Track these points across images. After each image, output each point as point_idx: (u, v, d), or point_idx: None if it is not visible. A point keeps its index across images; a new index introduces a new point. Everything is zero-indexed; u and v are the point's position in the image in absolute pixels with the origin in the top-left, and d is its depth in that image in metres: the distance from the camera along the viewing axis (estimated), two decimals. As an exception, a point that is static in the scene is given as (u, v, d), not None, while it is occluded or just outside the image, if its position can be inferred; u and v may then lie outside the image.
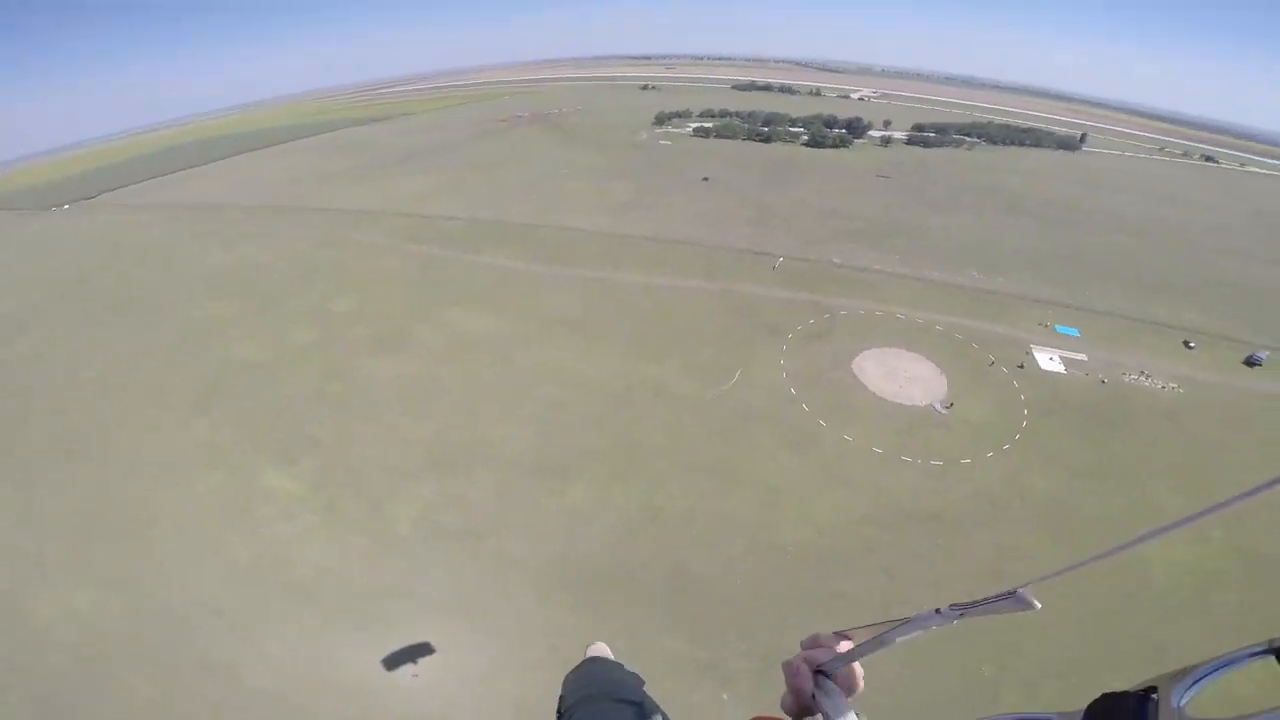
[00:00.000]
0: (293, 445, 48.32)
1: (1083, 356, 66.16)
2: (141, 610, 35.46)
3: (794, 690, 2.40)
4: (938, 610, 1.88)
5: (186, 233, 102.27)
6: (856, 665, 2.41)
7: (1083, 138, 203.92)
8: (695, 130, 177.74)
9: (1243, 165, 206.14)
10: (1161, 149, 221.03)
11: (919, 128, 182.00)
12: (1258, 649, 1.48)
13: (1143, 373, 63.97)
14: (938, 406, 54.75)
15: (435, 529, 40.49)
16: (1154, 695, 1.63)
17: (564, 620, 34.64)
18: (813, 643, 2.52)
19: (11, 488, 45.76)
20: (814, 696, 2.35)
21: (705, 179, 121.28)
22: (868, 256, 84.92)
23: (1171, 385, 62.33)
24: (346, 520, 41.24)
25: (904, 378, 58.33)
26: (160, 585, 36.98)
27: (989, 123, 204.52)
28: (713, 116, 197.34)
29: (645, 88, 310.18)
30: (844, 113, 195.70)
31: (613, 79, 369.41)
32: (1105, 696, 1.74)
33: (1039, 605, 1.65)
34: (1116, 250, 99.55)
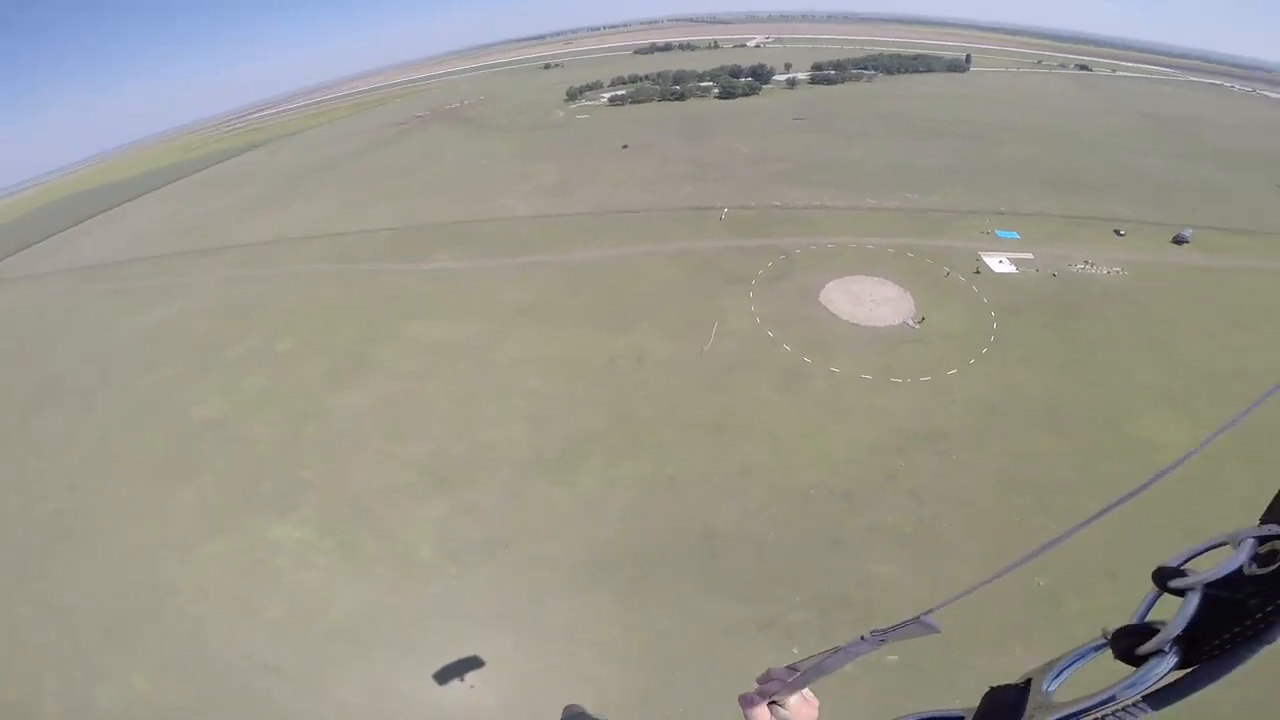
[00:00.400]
0: (286, 493, 44.02)
1: (1029, 255, 69.10)
2: (201, 681, 32.36)
3: None
4: (862, 637, 2.08)
5: (97, 297, 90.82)
6: (808, 692, 2.78)
7: (968, 59, 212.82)
8: (611, 100, 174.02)
9: (1114, 71, 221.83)
10: (1039, 62, 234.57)
11: (818, 67, 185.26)
12: (1100, 642, 1.78)
13: (1086, 262, 67.68)
14: (910, 323, 55.72)
15: (456, 546, 37.85)
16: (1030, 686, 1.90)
17: (609, 608, 33.17)
18: (766, 677, 2.81)
19: (16, 582, 40.37)
20: None
21: (624, 146, 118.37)
22: (805, 194, 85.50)
23: (1115, 270, 66.32)
24: (364, 556, 38.11)
25: (871, 302, 59.02)
26: (207, 653, 33.71)
27: (880, 55, 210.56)
28: (624, 84, 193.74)
29: (547, 66, 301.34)
30: (746, 61, 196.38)
31: (509, 63, 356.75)
32: (992, 690, 2.01)
33: (940, 629, 1.87)
34: (1027, 157, 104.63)
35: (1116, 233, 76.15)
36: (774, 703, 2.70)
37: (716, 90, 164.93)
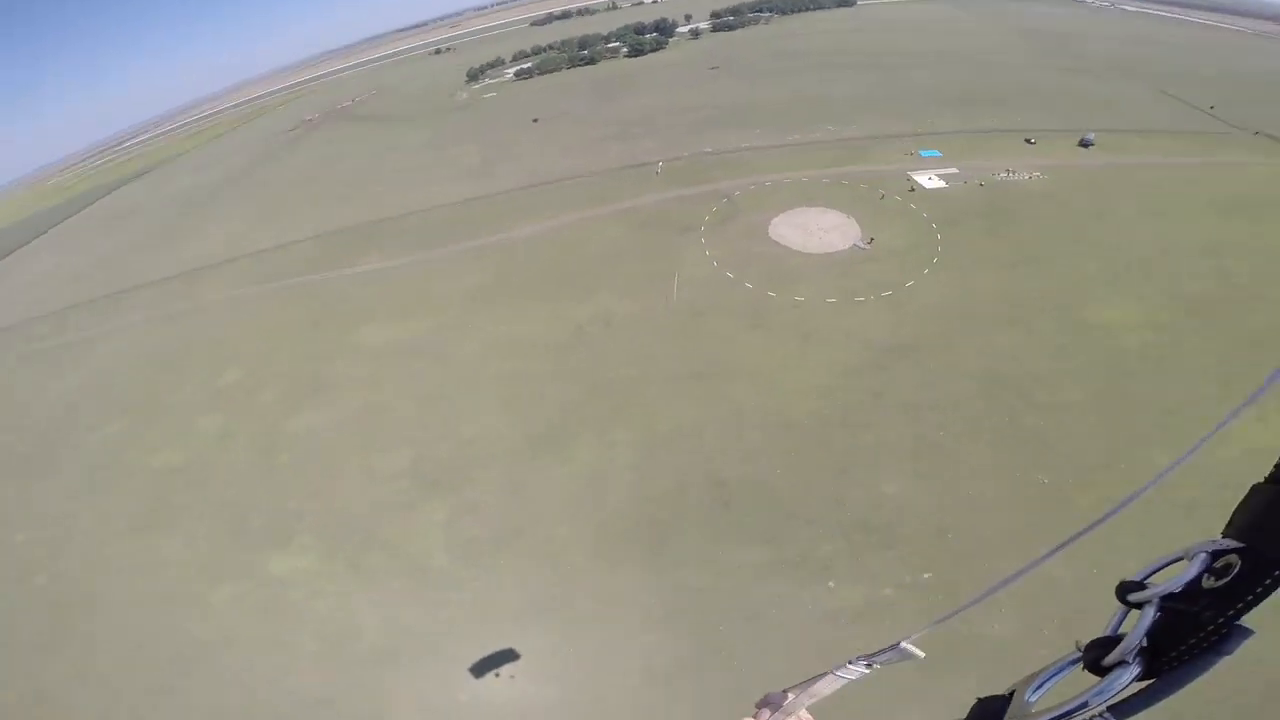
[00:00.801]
0: (277, 526, 40.60)
1: (955, 170, 71.71)
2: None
3: None
4: (849, 662, 2.18)
5: (3, 369, 79.40)
6: (806, 714, 2.88)
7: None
8: (517, 74, 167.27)
9: None
10: None
11: (716, 15, 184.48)
12: (1075, 656, 1.85)
13: (1008, 170, 71.00)
14: (860, 245, 56.86)
15: (468, 547, 35.92)
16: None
17: (638, 577, 32.37)
18: (763, 701, 2.90)
19: (41, 657, 36.11)
20: None
21: (535, 120, 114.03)
22: (734, 137, 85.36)
23: (1035, 175, 70.04)
24: (377, 574, 35.76)
25: (819, 230, 59.79)
26: (258, 700, 31.13)
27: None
28: (527, 57, 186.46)
29: (437, 51, 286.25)
30: (648, 18, 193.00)
31: (394, 54, 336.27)
32: (979, 700, 2.11)
33: (922, 655, 1.93)
34: (929, 80, 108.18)
35: (1028, 141, 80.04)
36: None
37: (625, 50, 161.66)
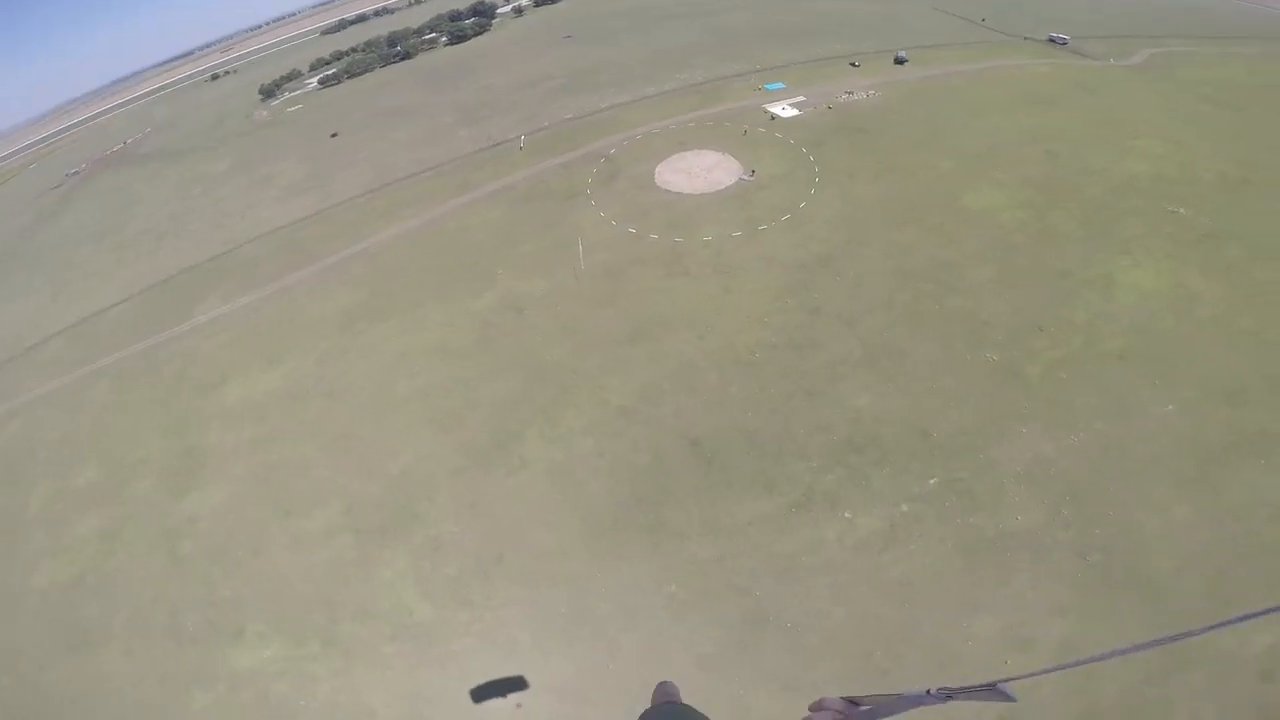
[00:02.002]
0: (218, 620, 33.11)
1: (802, 98, 74.58)
2: None
3: None
4: (928, 691, 2.07)
5: None
6: None
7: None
8: (321, 81, 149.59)
9: None
10: None
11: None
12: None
13: (848, 92, 75.34)
14: (745, 177, 57.05)
15: (450, 589, 30.97)
16: None
17: (649, 566, 29.62)
18: (818, 706, 2.61)
19: None
20: None
21: (334, 135, 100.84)
22: (590, 100, 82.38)
23: (870, 93, 74.91)
24: (361, 644, 30.10)
25: (702, 170, 59.26)
26: None
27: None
28: (328, 64, 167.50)
29: (215, 77, 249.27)
30: (461, 4, 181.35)
31: (160, 89, 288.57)
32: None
33: (1016, 698, 1.88)
34: (746, 21, 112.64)
35: (852, 64, 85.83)
36: None
37: (445, 39, 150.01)
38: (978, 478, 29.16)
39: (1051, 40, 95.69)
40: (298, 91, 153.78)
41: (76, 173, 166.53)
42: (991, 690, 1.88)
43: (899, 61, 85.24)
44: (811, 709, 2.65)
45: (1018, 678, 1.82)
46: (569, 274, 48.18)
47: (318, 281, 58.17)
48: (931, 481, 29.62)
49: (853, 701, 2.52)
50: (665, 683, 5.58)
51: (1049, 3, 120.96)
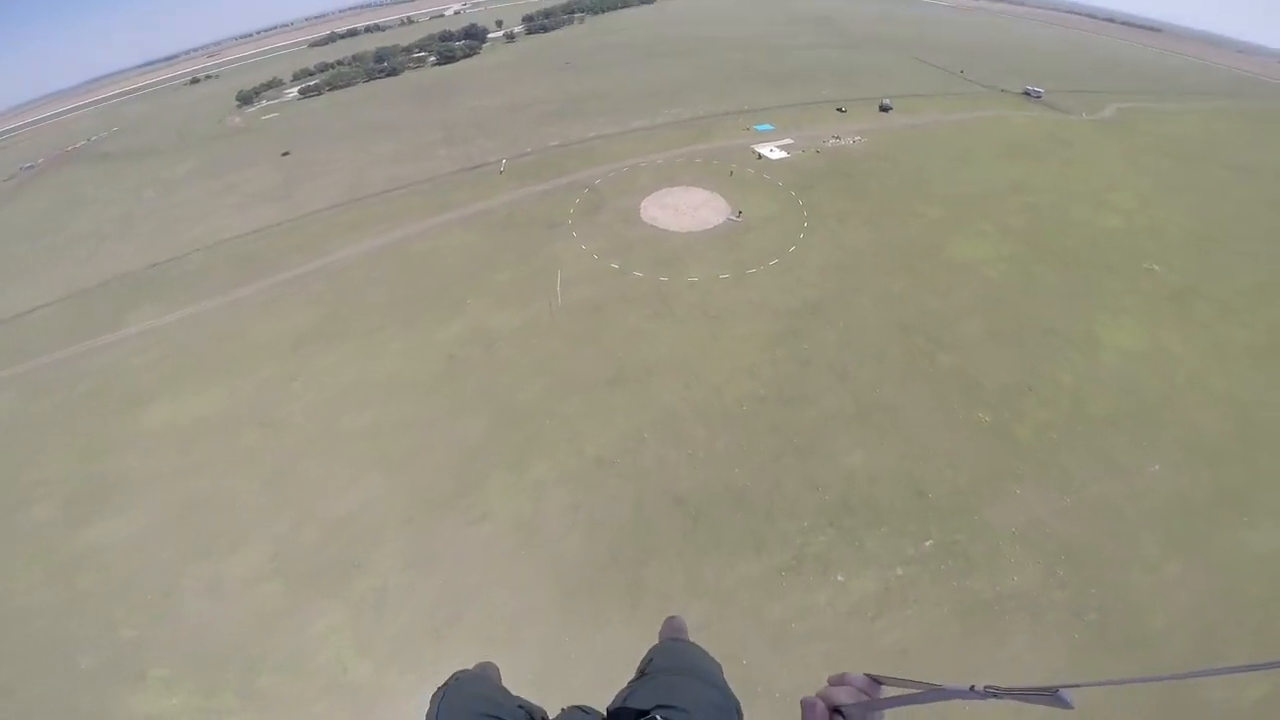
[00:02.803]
0: (117, 661, 28.87)
1: (790, 140, 74.24)
2: None
3: None
4: (971, 687, 1.93)
5: None
6: (878, 716, 2.30)
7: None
8: (302, 91, 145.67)
9: None
10: None
11: (529, 18, 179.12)
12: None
13: (835, 137, 75.47)
14: (732, 217, 55.17)
15: (394, 647, 26.85)
16: None
17: (630, 633, 26.07)
18: (839, 680, 2.39)
19: None
20: None
21: (285, 154, 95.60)
22: (578, 128, 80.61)
23: (856, 139, 75.18)
24: (286, 700, 25.99)
25: (689, 209, 57.22)
26: None
27: None
28: (311, 74, 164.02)
29: (195, 81, 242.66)
30: (452, 28, 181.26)
31: (137, 90, 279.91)
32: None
33: (1073, 705, 1.77)
34: (737, 63, 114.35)
35: (839, 110, 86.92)
36: (838, 711, 2.23)
37: (433, 58, 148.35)
38: (974, 539, 28.33)
39: (1027, 93, 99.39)
40: (276, 100, 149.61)
41: (31, 166, 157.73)
42: (1047, 695, 1.64)
43: (884, 109, 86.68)
44: (831, 682, 2.38)
45: (1077, 685, 1.61)
46: (545, 308, 44.79)
47: (269, 298, 53.54)
48: (927, 544, 28.34)
49: (876, 680, 2.30)
50: (673, 617, 5.39)
51: (1022, 57, 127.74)
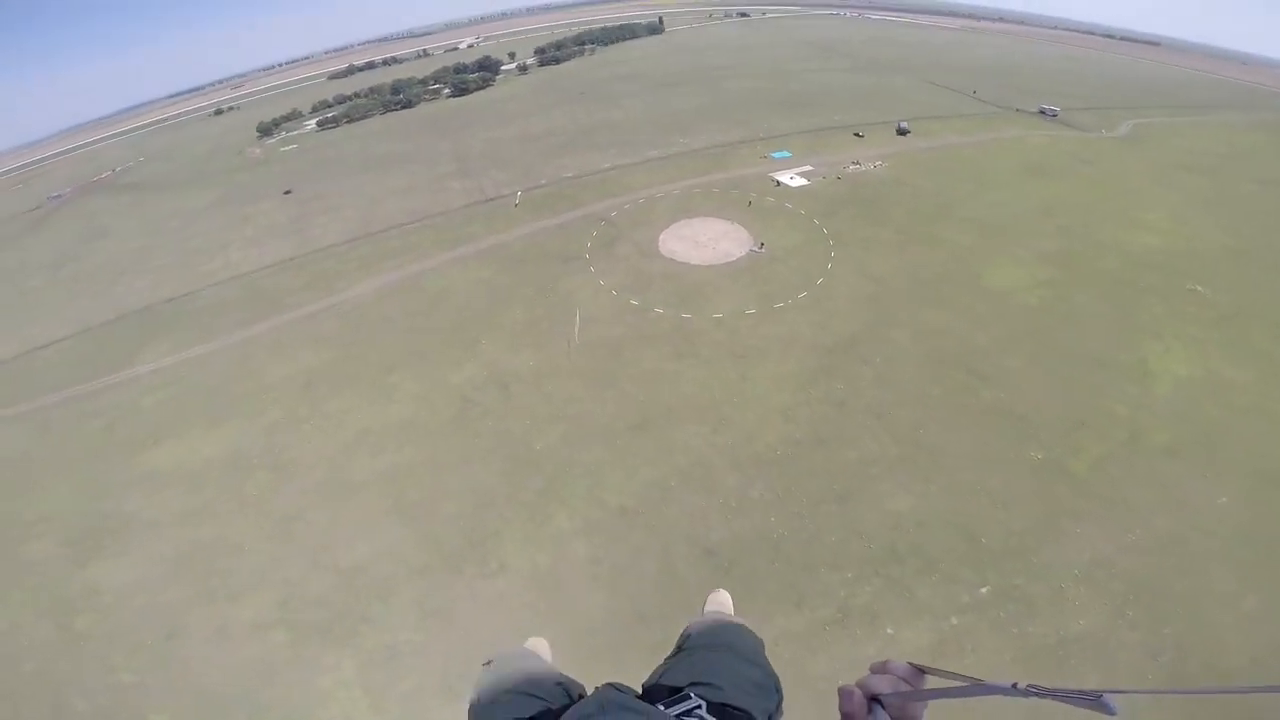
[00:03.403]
0: (115, 706, 27.70)
1: (809, 167, 72.82)
2: None
3: (844, 716, 2.18)
4: (1014, 685, 1.84)
5: None
6: (918, 706, 2.18)
7: (661, 21, 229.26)
8: (320, 124, 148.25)
9: (764, 13, 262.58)
10: (710, 15, 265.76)
11: (541, 51, 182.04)
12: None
13: (855, 162, 74.05)
14: (756, 249, 53.42)
15: (405, 704, 25.31)
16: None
17: None
18: (880, 668, 2.26)
19: None
20: None
21: (287, 192, 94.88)
22: (592, 159, 79.93)
23: (877, 163, 73.65)
24: None
25: (709, 240, 55.61)
26: None
27: (589, 31, 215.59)
28: (330, 106, 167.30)
29: (219, 112, 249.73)
30: (466, 60, 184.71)
31: (163, 121, 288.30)
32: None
33: (1117, 711, 1.67)
34: (751, 89, 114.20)
35: (857, 134, 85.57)
36: (876, 699, 2.12)
37: (448, 90, 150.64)
38: (1033, 582, 26.53)
39: (1043, 112, 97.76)
40: (295, 132, 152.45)
41: (59, 196, 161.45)
42: (1091, 698, 1.59)
43: (901, 132, 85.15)
44: (874, 669, 2.27)
45: (1122, 691, 1.54)
46: (562, 348, 42.96)
47: (281, 337, 52.45)
48: (983, 590, 26.43)
49: (920, 669, 2.22)
50: (717, 591, 5.29)
51: (1031, 76, 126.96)
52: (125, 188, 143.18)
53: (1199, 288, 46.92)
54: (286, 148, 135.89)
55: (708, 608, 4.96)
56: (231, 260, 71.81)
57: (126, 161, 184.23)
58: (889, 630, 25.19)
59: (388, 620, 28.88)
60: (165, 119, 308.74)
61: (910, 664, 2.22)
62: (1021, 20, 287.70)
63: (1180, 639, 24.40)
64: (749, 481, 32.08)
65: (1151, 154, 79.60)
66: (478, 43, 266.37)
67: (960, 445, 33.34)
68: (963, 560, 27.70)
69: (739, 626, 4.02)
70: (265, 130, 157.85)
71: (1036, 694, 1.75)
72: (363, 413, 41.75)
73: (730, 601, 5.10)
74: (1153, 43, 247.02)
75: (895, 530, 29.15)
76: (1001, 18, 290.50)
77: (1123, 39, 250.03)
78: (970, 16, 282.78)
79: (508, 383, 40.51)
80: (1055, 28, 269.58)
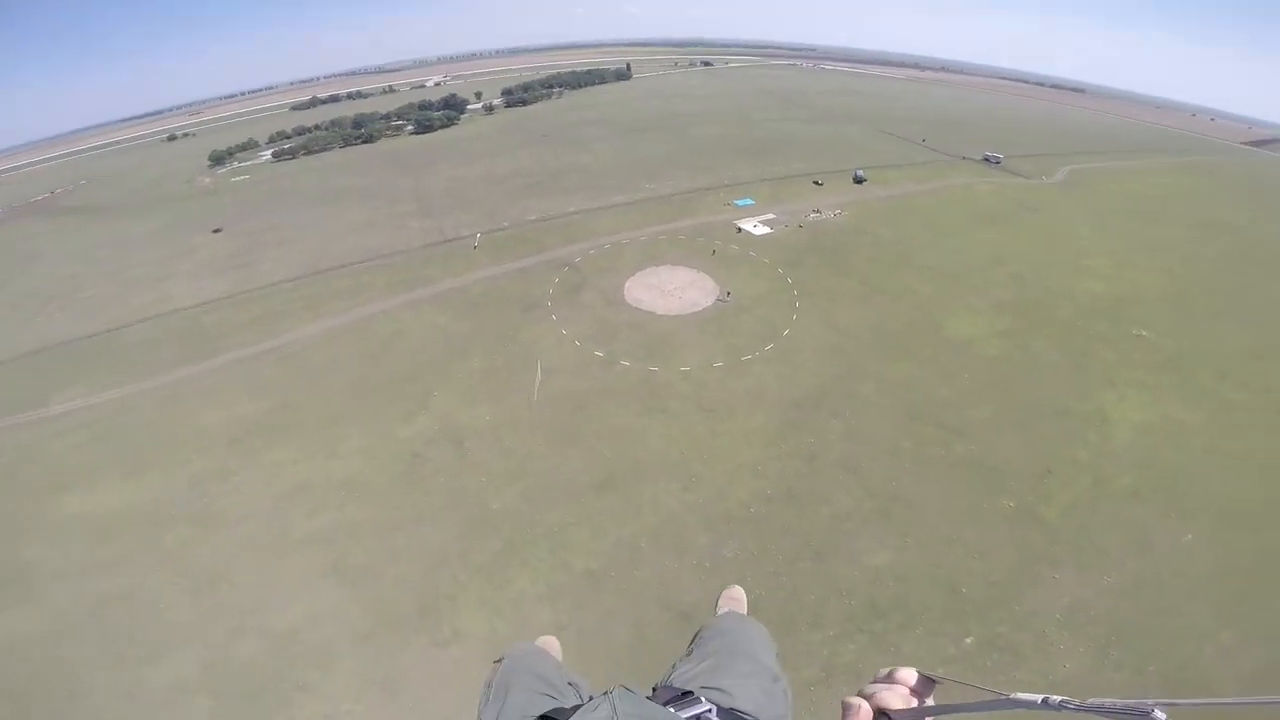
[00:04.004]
0: None
1: (772, 215, 73.94)
2: None
3: None
4: (1045, 699, 1.64)
5: None
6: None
7: (629, 68, 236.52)
8: (275, 154, 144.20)
9: (726, 63, 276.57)
10: (676, 64, 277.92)
11: (508, 92, 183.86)
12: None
13: (816, 210, 75.57)
14: (722, 299, 52.96)
15: None
16: None
17: None
18: (888, 678, 2.11)
19: None
20: None
21: (217, 230, 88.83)
22: (556, 203, 79.28)
23: (837, 212, 75.50)
24: None
25: (675, 289, 54.94)
26: None
27: (557, 75, 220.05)
28: (288, 137, 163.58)
29: (171, 138, 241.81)
30: (432, 98, 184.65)
31: (114, 144, 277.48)
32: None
33: None
34: (714, 136, 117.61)
35: (816, 182, 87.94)
36: (884, 715, 1.96)
37: (411, 127, 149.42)
38: (1017, 630, 26.58)
39: (987, 159, 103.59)
40: (249, 162, 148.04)
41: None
42: (1138, 714, 1.39)
43: (858, 180, 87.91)
44: (879, 680, 2.12)
45: (1175, 703, 1.37)
46: (523, 401, 40.69)
47: (213, 381, 48.47)
48: (968, 640, 26.33)
49: (930, 679, 2.02)
50: (733, 587, 5.18)
51: (975, 125, 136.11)
52: (62, 211, 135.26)
53: (1144, 332, 48.89)
54: (238, 178, 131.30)
55: (721, 606, 4.87)
56: (168, 294, 67.18)
57: (67, 184, 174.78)
58: (884, 672, 23.79)
59: (326, 689, 26.14)
60: (116, 143, 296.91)
61: (920, 673, 1.99)
62: (960, 70, 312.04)
63: (1166, 675, 24.74)
64: (722, 540, 30.61)
65: (1089, 200, 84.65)
66: (445, 81, 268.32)
67: (934, 498, 33.13)
68: (945, 612, 27.41)
69: (752, 628, 4.00)
70: (218, 159, 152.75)
71: (1072, 709, 1.51)
72: (301, 466, 38.37)
73: (745, 599, 5.03)
74: (1078, 90, 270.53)
75: (875, 585, 28.45)
76: (944, 68, 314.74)
77: (1052, 86, 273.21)
78: (915, 67, 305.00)
79: (462, 438, 37.88)
80: (990, 76, 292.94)
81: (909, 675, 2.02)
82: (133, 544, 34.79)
